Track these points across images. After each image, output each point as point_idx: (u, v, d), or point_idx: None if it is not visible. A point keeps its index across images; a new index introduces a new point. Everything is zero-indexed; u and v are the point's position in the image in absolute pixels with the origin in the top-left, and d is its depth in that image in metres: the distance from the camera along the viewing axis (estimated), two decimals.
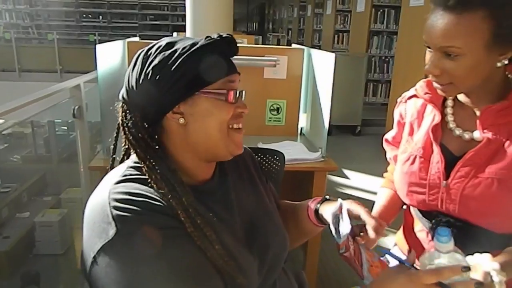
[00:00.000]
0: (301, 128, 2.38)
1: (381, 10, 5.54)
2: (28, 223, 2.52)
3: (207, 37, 0.75)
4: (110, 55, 1.99)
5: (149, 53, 0.75)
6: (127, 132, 0.76)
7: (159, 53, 0.74)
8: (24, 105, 1.73)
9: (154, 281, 0.64)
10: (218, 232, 0.74)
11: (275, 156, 1.51)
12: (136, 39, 2.44)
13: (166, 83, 0.72)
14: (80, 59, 8.47)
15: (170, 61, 0.72)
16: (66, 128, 3.88)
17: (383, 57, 5.67)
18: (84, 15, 12.93)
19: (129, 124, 0.75)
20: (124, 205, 0.67)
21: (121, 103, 0.78)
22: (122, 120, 0.77)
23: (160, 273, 0.65)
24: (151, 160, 0.73)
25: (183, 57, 0.72)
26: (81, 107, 2.03)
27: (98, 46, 1.81)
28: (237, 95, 0.78)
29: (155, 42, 0.77)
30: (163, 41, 0.76)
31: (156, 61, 0.73)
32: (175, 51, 0.73)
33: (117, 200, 0.68)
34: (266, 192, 0.96)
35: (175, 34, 3.79)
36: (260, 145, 1.97)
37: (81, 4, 12.44)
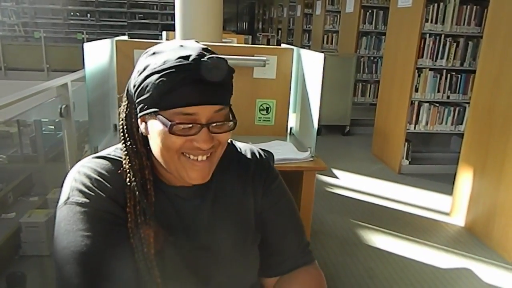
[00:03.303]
0: (291, 128, 2.39)
1: (370, 11, 5.58)
2: (14, 224, 2.48)
3: (179, 57, 0.70)
4: (98, 54, 1.96)
5: (142, 56, 0.76)
6: (121, 120, 0.78)
7: (142, 60, 0.74)
8: (10, 104, 1.70)
9: (70, 252, 0.70)
10: (161, 238, 0.75)
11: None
12: (125, 37, 2.42)
13: (134, 94, 0.74)
14: (68, 57, 8.39)
15: (139, 75, 0.73)
16: (53, 127, 3.83)
17: (372, 58, 5.71)
18: (72, 13, 12.79)
19: (124, 113, 0.78)
20: (83, 179, 0.75)
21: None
22: (122, 107, 0.79)
23: (79, 247, 0.70)
24: (127, 151, 0.77)
25: (146, 74, 0.71)
26: (68, 106, 2.01)
27: (86, 45, 1.78)
28: (200, 128, 0.70)
29: (163, 42, 0.75)
30: (155, 48, 0.75)
31: (135, 70, 0.74)
32: (148, 66, 0.72)
33: (80, 173, 0.76)
34: (256, 218, 0.88)
35: (164, 33, 3.76)
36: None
37: (68, 2, 12.30)
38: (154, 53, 0.73)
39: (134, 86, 0.74)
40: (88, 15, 12.88)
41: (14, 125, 4.30)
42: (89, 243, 0.70)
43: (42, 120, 3.69)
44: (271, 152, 1.53)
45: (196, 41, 0.77)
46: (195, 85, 0.69)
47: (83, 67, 1.80)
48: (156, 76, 0.69)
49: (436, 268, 2.43)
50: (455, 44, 3.74)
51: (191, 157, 0.73)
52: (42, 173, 3.45)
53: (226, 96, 0.74)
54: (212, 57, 0.70)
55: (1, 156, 4.10)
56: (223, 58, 0.72)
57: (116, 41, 2.14)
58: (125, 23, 12.84)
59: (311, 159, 1.93)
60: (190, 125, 0.70)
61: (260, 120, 2.31)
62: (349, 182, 3.71)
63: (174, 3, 2.68)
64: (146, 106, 0.72)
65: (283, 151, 1.97)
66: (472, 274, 2.38)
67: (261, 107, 2.30)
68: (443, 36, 3.69)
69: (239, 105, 2.27)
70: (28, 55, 9.07)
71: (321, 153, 2.03)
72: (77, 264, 0.69)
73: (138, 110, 0.74)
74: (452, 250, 2.63)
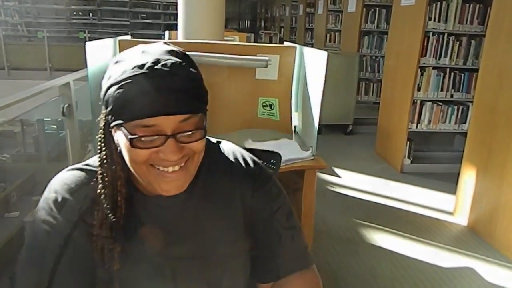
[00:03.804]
0: (295, 127, 2.38)
1: (372, 10, 5.56)
2: (17, 223, 2.49)
3: (135, 66, 0.65)
4: (101, 53, 1.97)
5: (109, 65, 0.72)
6: (99, 129, 0.75)
7: (108, 70, 0.71)
8: (13, 103, 1.71)
9: (20, 262, 0.72)
10: (135, 252, 0.75)
11: (271, 160, 1.47)
12: (128, 37, 2.42)
13: (102, 104, 0.71)
14: (70, 57, 8.39)
15: (103, 86, 0.70)
16: (55, 126, 3.84)
17: (374, 57, 5.71)
18: (74, 13, 12.80)
19: (103, 122, 0.74)
20: (53, 195, 0.75)
21: None
22: (101, 115, 0.75)
23: (29, 260, 0.72)
24: (101, 162, 0.74)
25: (107, 86, 0.68)
26: (71, 105, 2.02)
27: (88, 44, 1.79)
28: (165, 139, 0.65)
29: (128, 49, 0.71)
30: (119, 56, 0.70)
31: (102, 80, 0.71)
32: (110, 76, 0.68)
33: (51, 191, 0.76)
34: (246, 228, 0.84)
35: (166, 32, 3.76)
36: (253, 143, 1.96)
37: (71, 2, 12.31)
38: (117, 62, 0.69)
39: (102, 97, 0.70)
40: (91, 14, 12.89)
41: (18, 124, 4.31)
42: (38, 260, 0.71)
43: (45, 119, 3.70)
44: (279, 154, 1.50)
45: (166, 43, 0.72)
46: (152, 95, 0.63)
47: (86, 66, 1.81)
48: (114, 88, 0.66)
49: (438, 267, 2.42)
50: (458, 42, 3.73)
51: (161, 168, 0.69)
52: (45, 172, 3.46)
53: (193, 104, 0.67)
54: (166, 63, 0.65)
55: (4, 155, 4.12)
56: (185, 63, 0.67)
57: (119, 40, 2.14)
58: (128, 23, 12.84)
59: (312, 158, 1.93)
60: (154, 137, 0.65)
61: (264, 114, 2.28)
62: (352, 181, 3.71)
63: (177, 3, 2.68)
64: (113, 118, 0.68)
65: (289, 152, 1.95)
66: (474, 273, 2.37)
67: (264, 104, 2.28)
68: (446, 34, 3.68)
69: (241, 102, 2.26)
70: (31, 55, 9.11)
71: (324, 152, 2.03)
72: (28, 275, 0.71)
73: (109, 120, 0.70)
74: (455, 249, 2.63)
